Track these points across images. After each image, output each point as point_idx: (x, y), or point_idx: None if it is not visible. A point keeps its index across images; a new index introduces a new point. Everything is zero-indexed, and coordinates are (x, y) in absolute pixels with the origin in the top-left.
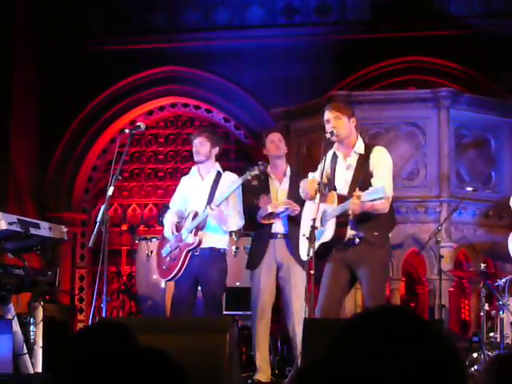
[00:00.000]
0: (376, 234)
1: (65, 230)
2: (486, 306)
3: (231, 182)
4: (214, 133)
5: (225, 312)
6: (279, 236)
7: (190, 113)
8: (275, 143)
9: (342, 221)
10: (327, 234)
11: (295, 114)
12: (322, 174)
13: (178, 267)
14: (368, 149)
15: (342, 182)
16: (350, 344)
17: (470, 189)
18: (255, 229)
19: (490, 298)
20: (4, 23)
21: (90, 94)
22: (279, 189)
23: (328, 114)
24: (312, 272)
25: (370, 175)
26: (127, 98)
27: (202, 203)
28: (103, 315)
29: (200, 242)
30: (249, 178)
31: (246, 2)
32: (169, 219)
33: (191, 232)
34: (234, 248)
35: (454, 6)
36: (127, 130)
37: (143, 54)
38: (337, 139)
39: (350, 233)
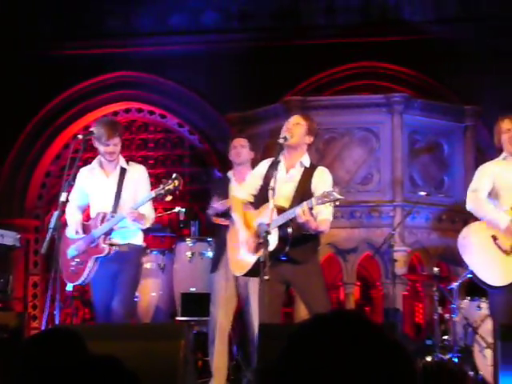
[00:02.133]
0: (307, 253)
1: (17, 236)
2: (440, 310)
3: (138, 176)
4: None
5: (180, 318)
6: None
7: (144, 118)
8: (236, 149)
9: (283, 233)
10: (271, 243)
11: (250, 119)
12: (275, 180)
13: (86, 272)
14: (312, 166)
15: (278, 195)
16: (303, 348)
17: (423, 193)
18: (215, 232)
19: (443, 302)
20: None
21: (44, 99)
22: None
23: (293, 118)
24: (266, 278)
25: (310, 193)
26: (81, 103)
27: (109, 203)
28: (56, 322)
29: (110, 251)
30: (162, 192)
31: (200, 6)
32: (72, 218)
33: (100, 238)
34: (189, 253)
35: (408, 12)
36: (81, 136)
37: (97, 59)
38: (287, 143)
39: (287, 248)
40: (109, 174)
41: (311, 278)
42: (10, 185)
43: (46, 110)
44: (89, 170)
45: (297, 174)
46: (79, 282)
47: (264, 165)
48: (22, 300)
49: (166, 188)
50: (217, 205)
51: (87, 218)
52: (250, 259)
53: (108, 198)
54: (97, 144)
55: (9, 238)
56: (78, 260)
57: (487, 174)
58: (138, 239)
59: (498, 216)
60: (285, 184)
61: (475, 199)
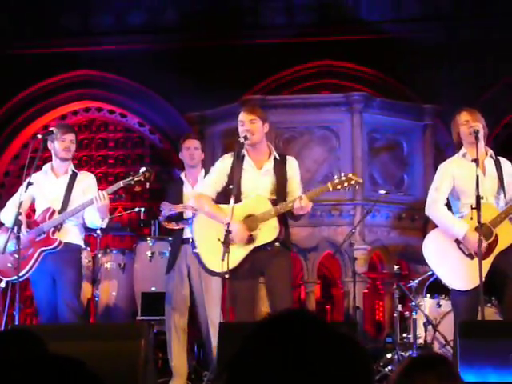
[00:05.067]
0: (289, 238)
1: None
2: (400, 307)
3: (88, 182)
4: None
5: (140, 317)
6: (191, 241)
7: (104, 117)
8: (190, 151)
9: (282, 221)
10: (269, 234)
11: (210, 118)
12: (239, 177)
13: (28, 266)
14: (281, 157)
15: (258, 188)
16: (256, 349)
17: (383, 192)
18: (171, 234)
19: (403, 300)
20: None
21: (2, 98)
22: (191, 194)
23: (243, 116)
24: (227, 276)
25: (286, 183)
26: (40, 102)
27: (57, 202)
28: (16, 323)
29: (60, 243)
30: (132, 183)
31: (160, 5)
32: (13, 217)
33: (49, 231)
34: (149, 253)
35: (366, 11)
36: (40, 135)
37: (56, 58)
38: (250, 143)
39: (281, 237)
40: (59, 176)
41: (282, 272)
42: None
43: (4, 109)
44: (40, 173)
45: (270, 166)
46: (20, 276)
47: (226, 161)
48: None
49: (136, 179)
50: (167, 210)
51: (28, 216)
52: (236, 255)
53: (56, 197)
54: (53, 143)
55: None
56: (21, 254)
57: (448, 174)
58: (79, 239)
59: (456, 225)
60: (261, 178)
61: (434, 206)
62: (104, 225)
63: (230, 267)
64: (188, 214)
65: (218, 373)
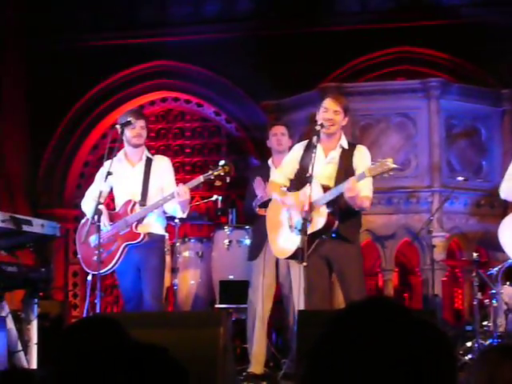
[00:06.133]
0: (353, 230)
1: (57, 226)
2: (479, 295)
3: (164, 166)
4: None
5: (219, 305)
6: None
7: (181, 107)
8: (277, 137)
9: (333, 210)
10: (319, 221)
11: (286, 106)
12: (313, 165)
13: (114, 261)
14: (351, 146)
15: (321, 176)
16: (338, 337)
17: (461, 178)
18: (253, 221)
19: (482, 287)
20: None
21: (81, 89)
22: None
23: (329, 103)
24: (305, 264)
25: (353, 172)
26: (118, 93)
27: (136, 192)
28: (97, 311)
29: (144, 237)
30: (212, 177)
31: None
32: (93, 207)
33: (133, 224)
34: (226, 241)
35: None
36: (118, 126)
37: (134, 49)
38: (326, 132)
39: (336, 223)
40: (134, 164)
41: (351, 261)
42: (49, 175)
43: (83, 100)
44: (114, 161)
45: (336, 155)
46: (104, 270)
47: (298, 149)
48: (62, 289)
49: (216, 173)
50: (262, 195)
51: (107, 206)
52: (293, 243)
53: (135, 186)
54: (124, 132)
55: (49, 227)
56: (105, 248)
57: None
58: (161, 229)
59: None
60: (325, 166)
61: (508, 189)
62: (185, 216)
63: (290, 254)
64: None
65: (297, 360)
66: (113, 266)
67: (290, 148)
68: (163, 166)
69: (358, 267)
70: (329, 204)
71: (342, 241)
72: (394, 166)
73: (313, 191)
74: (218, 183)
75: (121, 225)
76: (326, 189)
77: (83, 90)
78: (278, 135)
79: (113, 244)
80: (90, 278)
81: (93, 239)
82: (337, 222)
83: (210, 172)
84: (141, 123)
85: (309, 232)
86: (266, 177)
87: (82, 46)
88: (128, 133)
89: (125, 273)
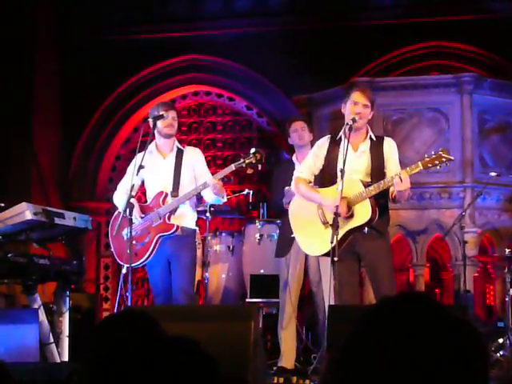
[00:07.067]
0: (384, 225)
1: (89, 219)
2: (511, 291)
3: (196, 157)
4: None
5: (249, 299)
6: None
7: (213, 101)
8: (298, 132)
9: (377, 204)
10: (361, 217)
11: (317, 100)
12: (345, 161)
13: (148, 253)
14: (379, 138)
15: (351, 170)
16: (372, 331)
17: (493, 174)
18: (281, 216)
19: None
20: (28, 10)
21: (113, 83)
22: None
23: (359, 97)
24: (336, 259)
25: (383, 164)
26: (150, 87)
27: (168, 183)
28: (128, 304)
29: (178, 228)
30: (243, 166)
31: None
32: (125, 200)
33: (165, 216)
34: (257, 236)
35: None
36: (150, 119)
37: (165, 43)
38: (356, 126)
39: (376, 218)
40: (166, 155)
41: (382, 256)
42: (81, 169)
43: (115, 94)
44: (146, 153)
45: (366, 147)
46: (138, 263)
47: (322, 144)
48: (94, 282)
49: (247, 161)
50: (290, 193)
51: (138, 199)
52: (328, 240)
53: (166, 178)
54: (156, 124)
55: (81, 220)
56: (138, 240)
57: None
58: (193, 223)
59: None
60: (356, 159)
61: None
62: (225, 200)
63: (326, 250)
64: None
65: (327, 355)
66: (147, 258)
67: (312, 142)
68: (195, 156)
69: (389, 262)
70: (373, 198)
71: (372, 236)
72: (451, 157)
73: (350, 186)
74: (249, 171)
75: (153, 216)
76: (366, 184)
77: (115, 84)
78: (298, 131)
79: (146, 236)
80: (124, 270)
81: (125, 232)
82: (376, 218)
83: (242, 160)
84: (172, 114)
85: (350, 227)
86: (290, 173)
87: (113, 41)
88: (160, 124)
89: (155, 266)
